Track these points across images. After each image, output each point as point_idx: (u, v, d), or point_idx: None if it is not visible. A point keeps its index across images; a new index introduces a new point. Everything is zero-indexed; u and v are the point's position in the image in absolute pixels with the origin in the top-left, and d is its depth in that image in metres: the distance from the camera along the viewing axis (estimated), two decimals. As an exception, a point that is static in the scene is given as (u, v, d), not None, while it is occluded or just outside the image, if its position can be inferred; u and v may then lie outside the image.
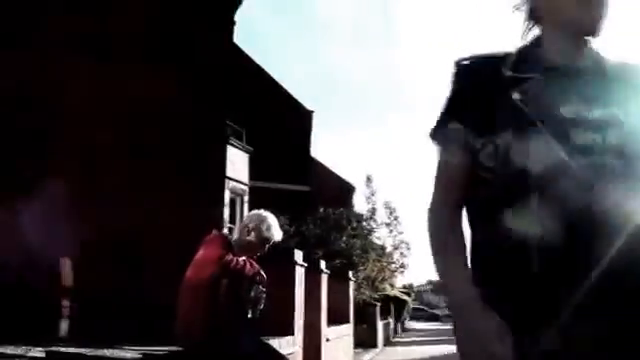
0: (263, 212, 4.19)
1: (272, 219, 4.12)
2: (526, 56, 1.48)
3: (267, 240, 4.04)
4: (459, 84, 1.51)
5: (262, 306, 4.07)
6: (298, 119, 24.93)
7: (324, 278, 11.33)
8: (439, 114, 1.52)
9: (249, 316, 4.00)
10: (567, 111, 1.39)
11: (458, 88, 1.51)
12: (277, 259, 7.27)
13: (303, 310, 8.76)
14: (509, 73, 1.45)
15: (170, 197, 11.22)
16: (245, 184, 15.56)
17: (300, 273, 8.71)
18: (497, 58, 1.49)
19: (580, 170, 1.34)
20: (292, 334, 8.00)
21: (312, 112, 25.93)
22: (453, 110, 1.50)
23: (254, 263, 4.10)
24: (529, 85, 1.42)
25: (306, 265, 9.11)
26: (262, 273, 4.05)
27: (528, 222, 1.35)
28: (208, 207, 12.22)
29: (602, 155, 1.37)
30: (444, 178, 1.53)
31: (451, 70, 1.53)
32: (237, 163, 14.94)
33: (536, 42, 1.51)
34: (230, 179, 14.32)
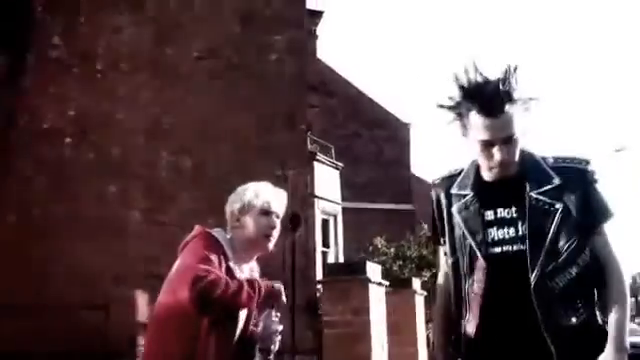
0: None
1: (256, 185, 2.58)
2: (468, 174, 2.19)
3: (265, 212, 2.47)
4: (432, 211, 2.29)
5: (277, 344, 2.55)
6: (394, 133, 23.47)
7: (419, 301, 9.01)
8: (431, 236, 2.46)
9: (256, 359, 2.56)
10: (490, 214, 2.10)
11: (432, 217, 2.31)
12: (343, 271, 5.80)
13: (385, 341, 6.66)
14: (454, 190, 2.19)
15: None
16: (337, 203, 14.22)
17: (377, 294, 6.58)
18: (452, 177, 2.23)
19: (490, 257, 2.07)
20: None
21: (409, 125, 24.40)
22: (435, 238, 2.32)
23: (256, 280, 2.44)
24: (465, 200, 2.15)
25: (387, 284, 6.94)
26: (276, 288, 2.44)
27: (461, 297, 2.16)
28: (294, 231, 10.97)
29: (513, 244, 2.06)
30: (441, 265, 2.36)
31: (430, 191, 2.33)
32: (326, 181, 13.63)
33: (474, 163, 2.18)
34: (320, 198, 13.04)
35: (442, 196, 2.20)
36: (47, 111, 11.35)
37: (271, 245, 2.54)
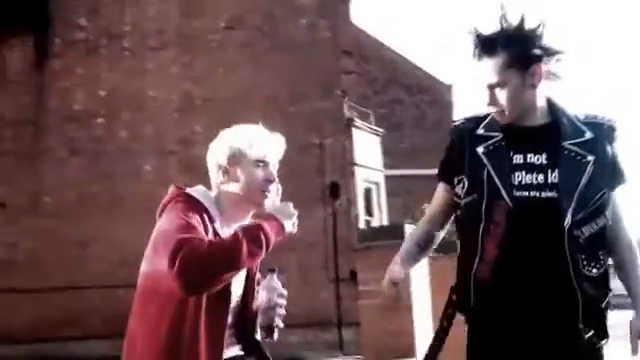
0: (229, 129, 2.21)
1: (247, 129, 2.13)
2: (494, 118, 2.10)
3: (260, 162, 2.06)
4: (448, 149, 2.23)
5: (281, 316, 2.09)
6: (436, 95, 22.77)
7: None
8: (438, 171, 2.27)
9: (257, 337, 2.10)
10: (518, 157, 2.03)
11: (446, 154, 2.23)
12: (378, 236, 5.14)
13: (429, 311, 5.74)
14: (481, 131, 2.11)
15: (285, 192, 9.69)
16: (379, 170, 13.77)
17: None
18: (478, 119, 2.15)
19: (517, 200, 1.99)
20: (413, 357, 5.27)
21: (451, 86, 23.64)
22: (443, 174, 2.24)
23: (256, 224, 2.00)
24: (492, 141, 2.08)
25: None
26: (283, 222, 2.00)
27: (474, 237, 2.05)
28: (334, 200, 10.63)
29: (541, 190, 2.00)
30: (432, 204, 2.30)
31: (450, 130, 2.25)
32: (366, 148, 13.18)
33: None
34: (360, 166, 12.60)
35: (466, 135, 2.14)
36: (77, 93, 11.24)
37: (268, 202, 2.08)
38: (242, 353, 2.10)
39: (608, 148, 2.06)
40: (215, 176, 2.11)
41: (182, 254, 1.81)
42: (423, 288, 5.59)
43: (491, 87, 2.02)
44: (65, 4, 11.44)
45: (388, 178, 14.96)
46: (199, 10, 11.50)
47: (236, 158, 2.06)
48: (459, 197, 2.11)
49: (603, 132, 2.07)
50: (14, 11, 10.76)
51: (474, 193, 2.05)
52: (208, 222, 1.97)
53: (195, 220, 1.92)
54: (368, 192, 13.46)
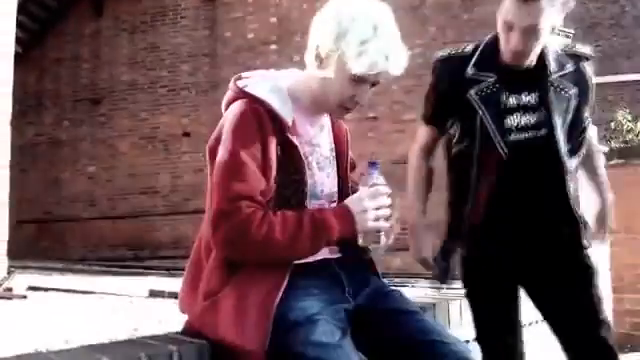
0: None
1: (381, 24, 1.60)
2: (485, 56, 2.07)
3: (361, 79, 1.61)
4: (432, 90, 2.18)
5: (391, 236, 1.69)
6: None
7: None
8: (423, 113, 2.21)
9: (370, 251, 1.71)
10: (513, 100, 2.04)
11: (431, 95, 2.18)
12: None
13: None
14: (471, 71, 2.06)
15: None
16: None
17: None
18: (465, 56, 2.10)
19: (510, 143, 2.02)
20: None
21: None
22: (431, 118, 2.20)
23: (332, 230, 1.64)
24: (485, 84, 2.04)
25: (604, 150, 4.95)
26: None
27: (465, 183, 2.08)
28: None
29: (536, 129, 2.03)
30: (422, 136, 2.23)
31: (433, 67, 2.16)
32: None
33: (494, 44, 2.06)
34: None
35: (455, 76, 2.09)
36: (249, 22, 11.31)
37: (346, 115, 1.74)
38: (334, 256, 1.77)
39: (586, 79, 2.13)
40: (309, 56, 1.70)
41: (225, 231, 1.56)
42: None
43: (527, 30, 1.96)
44: None
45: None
46: None
47: (340, 56, 1.63)
48: (451, 141, 2.14)
49: (581, 64, 2.14)
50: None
51: (466, 139, 2.08)
52: (272, 134, 1.63)
53: (254, 149, 1.60)
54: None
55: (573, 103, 2.07)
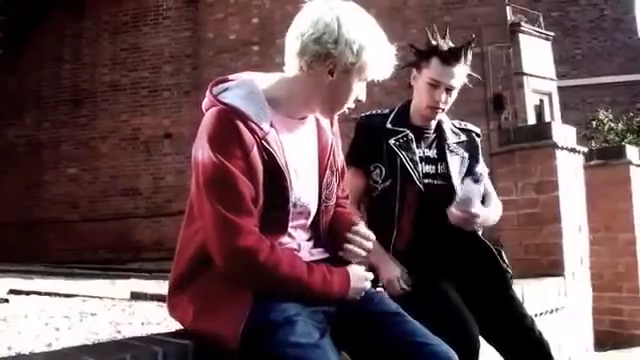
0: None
1: (372, 34, 1.64)
2: (400, 116, 2.55)
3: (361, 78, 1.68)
4: (359, 138, 2.56)
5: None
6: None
7: (636, 174, 6.06)
8: (347, 157, 2.34)
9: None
10: (420, 151, 2.50)
11: (358, 142, 2.56)
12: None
13: (584, 224, 4.71)
14: (389, 126, 2.52)
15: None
16: (551, 79, 12.57)
17: (570, 163, 4.52)
18: (384, 115, 2.56)
19: (424, 185, 2.45)
20: (560, 275, 4.20)
21: (633, -20, 20.96)
22: (354, 159, 2.49)
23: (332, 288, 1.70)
24: (401, 135, 2.50)
25: (583, 150, 4.76)
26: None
27: (390, 216, 2.45)
28: (499, 113, 9.86)
29: (435, 179, 2.48)
30: (352, 187, 2.36)
31: (357, 122, 2.58)
32: (536, 56, 12.04)
33: (407, 107, 2.58)
34: (529, 75, 11.56)
35: (377, 128, 2.52)
36: (231, 23, 11.28)
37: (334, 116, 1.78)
38: (316, 258, 1.80)
39: (475, 148, 2.61)
40: (297, 59, 1.65)
41: (237, 266, 1.59)
42: (575, 195, 4.84)
43: (448, 89, 2.42)
44: None
45: (563, 89, 13.69)
46: None
47: (338, 64, 1.63)
48: (376, 182, 2.49)
49: (471, 137, 2.62)
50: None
51: (390, 178, 2.46)
52: (248, 142, 1.60)
53: (232, 154, 1.58)
54: (540, 104, 12.40)
55: (466, 162, 2.54)
